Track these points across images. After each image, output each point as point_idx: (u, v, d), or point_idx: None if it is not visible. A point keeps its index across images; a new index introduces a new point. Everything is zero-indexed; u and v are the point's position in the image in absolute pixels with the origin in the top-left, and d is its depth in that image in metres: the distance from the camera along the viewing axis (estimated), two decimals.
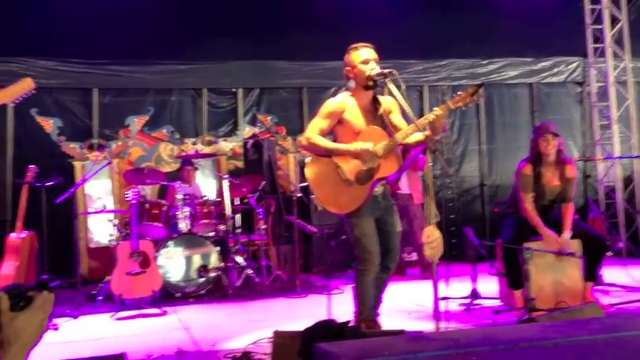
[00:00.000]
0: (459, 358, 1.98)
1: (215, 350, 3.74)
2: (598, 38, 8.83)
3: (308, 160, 3.71)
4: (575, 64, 9.44)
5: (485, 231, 8.87)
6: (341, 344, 2.26)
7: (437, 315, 2.99)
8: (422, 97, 9.16)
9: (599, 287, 5.12)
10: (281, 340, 2.71)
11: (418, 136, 3.48)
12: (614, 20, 8.66)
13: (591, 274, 4.50)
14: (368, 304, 3.55)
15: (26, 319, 1.48)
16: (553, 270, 4.42)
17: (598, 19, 8.73)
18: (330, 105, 3.68)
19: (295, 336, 2.66)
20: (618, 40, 8.69)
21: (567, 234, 4.51)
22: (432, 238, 3.05)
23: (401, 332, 2.80)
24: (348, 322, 2.86)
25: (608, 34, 8.60)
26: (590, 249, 4.47)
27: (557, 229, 4.50)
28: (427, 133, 3.41)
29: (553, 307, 4.24)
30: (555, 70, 9.56)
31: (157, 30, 7.85)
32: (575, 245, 4.43)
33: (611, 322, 2.55)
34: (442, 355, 2.00)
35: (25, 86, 3.70)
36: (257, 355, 2.94)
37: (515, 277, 4.46)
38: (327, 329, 2.64)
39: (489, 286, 5.18)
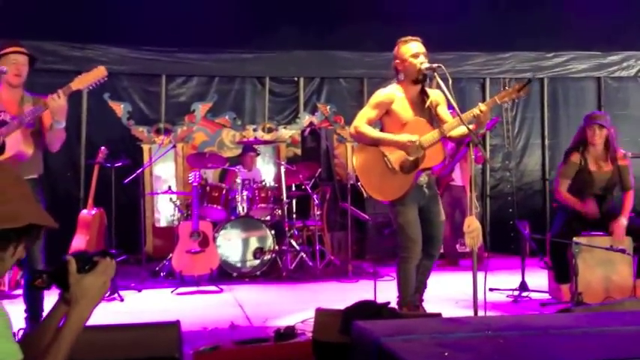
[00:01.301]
0: (488, 340, 2.08)
1: (265, 326, 3.95)
2: None
3: (356, 147, 3.83)
4: None
5: (545, 226, 8.77)
6: (377, 322, 2.40)
7: (475, 301, 3.08)
8: (484, 89, 9.12)
9: None
10: (323, 317, 2.88)
11: (462, 130, 3.55)
12: None
13: None
14: (410, 290, 3.67)
15: (91, 280, 1.70)
16: (602, 265, 4.41)
17: None
18: (379, 96, 3.81)
19: (336, 314, 2.82)
20: None
21: (624, 219, 4.51)
22: (471, 228, 3.15)
23: (437, 315, 2.91)
24: (387, 303, 3.00)
25: None
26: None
27: (607, 223, 4.49)
28: (472, 126, 3.48)
29: (601, 302, 4.24)
30: (625, 64, 9.33)
31: (223, 19, 8.08)
32: (626, 242, 4.40)
33: None
34: (471, 337, 2.11)
35: (98, 74, 3.92)
36: (302, 331, 3.11)
37: (562, 270, 4.48)
38: (366, 309, 2.79)
39: (540, 279, 5.20)
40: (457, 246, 7.10)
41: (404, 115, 3.72)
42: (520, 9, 8.67)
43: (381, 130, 3.84)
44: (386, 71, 8.68)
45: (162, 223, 7.84)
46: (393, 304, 3.37)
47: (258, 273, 6.16)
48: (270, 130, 8.41)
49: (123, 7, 7.80)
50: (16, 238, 1.61)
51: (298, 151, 8.30)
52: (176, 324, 2.66)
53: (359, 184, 4.00)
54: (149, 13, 7.93)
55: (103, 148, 5.92)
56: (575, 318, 2.42)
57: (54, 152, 3.95)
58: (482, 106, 3.47)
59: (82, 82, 3.86)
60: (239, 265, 6.17)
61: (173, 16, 8.01)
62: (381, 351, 2.01)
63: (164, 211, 7.80)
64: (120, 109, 8.12)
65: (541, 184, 9.10)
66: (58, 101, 3.66)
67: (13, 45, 3.91)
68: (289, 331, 2.96)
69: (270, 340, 2.96)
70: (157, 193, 7.31)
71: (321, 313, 2.90)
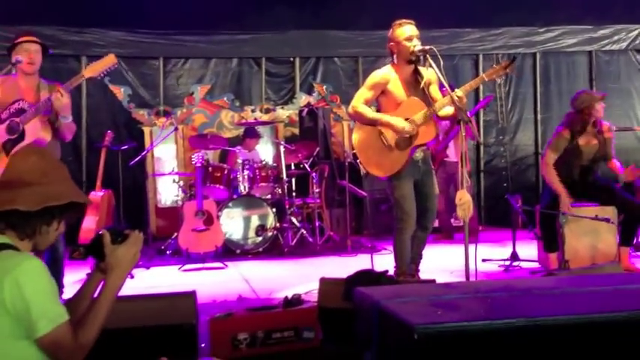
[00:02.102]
0: (477, 300, 2.31)
1: (271, 298, 4.18)
2: None
3: (353, 126, 4.04)
4: (636, 32, 9.31)
5: (538, 199, 9.00)
6: (377, 288, 2.63)
7: (467, 269, 3.32)
8: (477, 65, 9.25)
9: (638, 253, 5.32)
10: (327, 285, 3.11)
11: (450, 110, 3.81)
12: None
13: (627, 239, 4.71)
14: (406, 260, 3.91)
15: (124, 251, 1.91)
16: (589, 235, 4.66)
17: None
18: (375, 77, 4.01)
19: (339, 282, 3.05)
20: None
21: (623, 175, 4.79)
22: (463, 200, 3.38)
23: (431, 281, 3.14)
24: (385, 271, 3.23)
25: None
26: (628, 215, 4.67)
27: (597, 191, 4.73)
28: (452, 110, 3.71)
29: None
30: (616, 37, 9.43)
31: (217, 1, 8.20)
32: (610, 211, 4.64)
33: (623, 277, 2.81)
34: (462, 298, 2.33)
35: (108, 62, 4.10)
36: (308, 299, 3.34)
37: (550, 240, 4.72)
38: (366, 277, 3.02)
39: (530, 250, 5.44)
40: (452, 220, 7.32)
41: (399, 94, 3.93)
42: None
43: (378, 109, 4.05)
44: (380, 49, 8.87)
45: (165, 204, 8.05)
46: (391, 274, 3.60)
47: (260, 249, 6.39)
48: (267, 111, 8.57)
49: None
50: (59, 214, 1.83)
51: (296, 131, 8.47)
52: (192, 294, 2.88)
53: (357, 161, 4.21)
54: None
55: (109, 132, 6.11)
56: (557, 280, 2.65)
57: (66, 142, 4.14)
58: (459, 92, 3.68)
59: (94, 70, 4.04)
60: (242, 242, 6.40)
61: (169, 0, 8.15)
62: (381, 312, 2.24)
63: (166, 191, 7.98)
64: (120, 92, 8.26)
65: (534, 158, 9.27)
66: (62, 99, 3.85)
67: (26, 35, 4.09)
68: (296, 299, 3.19)
69: (279, 307, 3.20)
70: (162, 175, 7.50)
71: (325, 282, 3.13)
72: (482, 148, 9.20)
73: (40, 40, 4.15)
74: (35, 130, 3.87)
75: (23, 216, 1.76)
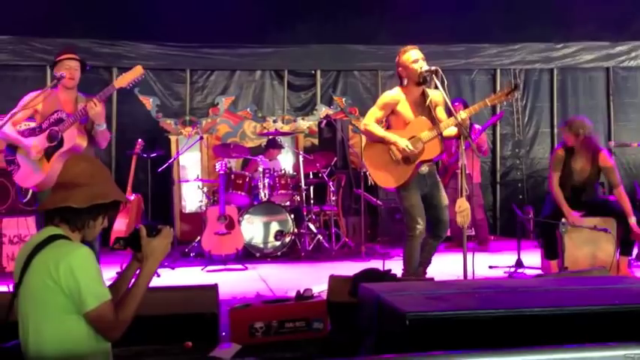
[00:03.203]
0: (466, 295, 2.59)
1: (287, 296, 4.48)
2: None
3: (365, 142, 4.35)
4: None
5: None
6: (380, 284, 2.93)
7: (465, 269, 3.60)
8: (494, 80, 9.48)
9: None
10: (335, 282, 3.42)
11: (453, 131, 4.14)
12: None
13: (627, 249, 4.94)
14: (414, 264, 4.20)
15: (157, 243, 2.24)
16: (588, 244, 4.89)
17: None
18: (386, 98, 4.33)
19: (347, 279, 3.36)
20: None
21: (633, 218, 4.88)
22: (462, 208, 3.68)
23: (430, 279, 3.43)
24: (389, 270, 3.52)
25: None
26: (627, 226, 4.89)
27: (594, 207, 4.96)
28: (456, 131, 4.03)
29: None
30: (633, 54, 9.60)
31: (243, 15, 8.49)
32: (610, 223, 4.87)
33: (606, 279, 3.06)
34: (454, 293, 2.62)
35: (137, 73, 4.39)
36: (319, 294, 3.64)
37: (551, 248, 4.96)
38: (372, 274, 3.32)
39: (536, 258, 5.67)
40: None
41: (407, 114, 4.26)
42: (529, 1, 9.02)
43: (388, 126, 4.38)
44: None
45: (189, 209, 8.39)
46: (394, 272, 3.88)
47: (279, 253, 6.72)
48: (288, 122, 8.91)
49: (149, 6, 8.20)
50: (104, 211, 2.17)
51: (315, 141, 8.77)
52: (214, 287, 3.21)
53: (367, 173, 4.53)
54: (173, 11, 8.38)
55: (140, 140, 6.49)
56: (543, 280, 2.91)
57: (102, 149, 4.50)
58: (463, 114, 3.99)
59: (124, 81, 4.37)
60: (261, 246, 6.74)
61: (195, 14, 8.45)
62: (380, 303, 2.54)
63: (190, 197, 8.34)
64: (149, 103, 8.66)
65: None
66: (95, 109, 4.18)
67: (67, 52, 4.46)
68: (308, 293, 3.50)
69: (292, 300, 3.51)
70: (188, 181, 7.87)
71: (334, 279, 3.44)
72: (498, 160, 9.40)
73: (80, 57, 4.50)
74: (72, 138, 4.22)
75: (75, 212, 2.11)
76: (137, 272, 2.24)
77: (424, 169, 4.26)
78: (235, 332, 3.21)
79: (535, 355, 1.66)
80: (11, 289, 2.11)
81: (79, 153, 4.20)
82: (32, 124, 4.43)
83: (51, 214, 2.14)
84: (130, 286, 2.24)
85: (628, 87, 9.66)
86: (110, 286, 2.24)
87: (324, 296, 3.45)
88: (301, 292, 3.50)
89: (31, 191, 4.30)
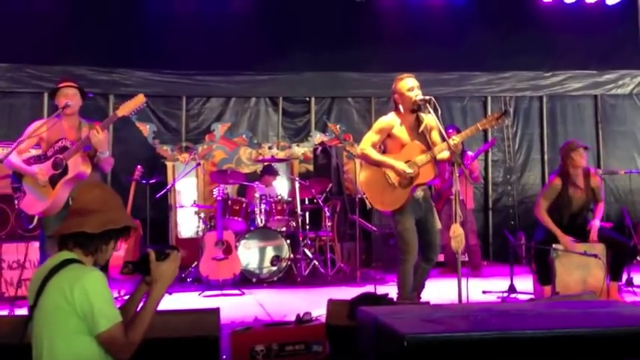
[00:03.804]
0: (461, 318, 2.68)
1: (285, 320, 4.55)
2: None
3: (362, 165, 4.48)
4: None
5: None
6: (378, 308, 3.02)
7: (460, 293, 3.69)
8: (485, 107, 9.66)
9: (630, 288, 5.64)
10: (334, 306, 3.50)
11: (446, 154, 4.26)
12: None
13: (615, 274, 5.06)
14: (408, 287, 4.30)
15: (166, 266, 2.34)
16: (579, 269, 5.00)
17: None
18: (381, 122, 4.47)
19: (345, 303, 3.45)
20: None
21: (597, 221, 5.18)
22: (456, 233, 3.79)
23: (426, 303, 3.52)
24: (386, 294, 3.62)
25: None
26: (616, 252, 5.03)
27: (586, 232, 5.09)
28: (449, 154, 4.17)
29: None
30: (620, 82, 9.80)
31: (238, 43, 8.70)
32: (599, 249, 5.00)
33: (594, 303, 3.16)
34: (449, 316, 2.71)
35: (138, 101, 4.50)
36: (318, 318, 3.72)
37: (544, 273, 5.07)
38: (369, 298, 3.42)
39: (528, 283, 5.77)
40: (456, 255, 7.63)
41: (403, 137, 4.40)
42: (518, 31, 9.25)
43: (384, 150, 4.50)
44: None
45: (184, 235, 8.44)
46: (391, 296, 3.97)
47: (275, 278, 6.79)
48: (283, 148, 9.04)
49: (145, 34, 8.41)
50: (116, 236, 2.27)
51: (310, 167, 8.89)
52: (216, 310, 3.29)
53: (364, 196, 4.65)
54: (169, 38, 8.57)
55: (139, 166, 6.58)
56: (535, 304, 3.01)
57: (106, 174, 4.60)
58: (456, 139, 4.14)
59: (126, 109, 4.47)
60: (258, 271, 6.81)
61: (191, 42, 8.63)
62: (378, 325, 2.63)
63: (185, 223, 8.38)
64: (146, 129, 8.77)
65: None
66: (98, 136, 4.29)
67: (65, 81, 4.59)
68: (307, 317, 3.58)
69: (292, 323, 3.59)
70: (185, 207, 7.94)
71: (333, 303, 3.53)
72: (490, 186, 9.53)
73: (77, 85, 4.61)
74: (76, 165, 4.32)
75: (89, 237, 2.21)
76: (145, 295, 2.33)
77: (419, 193, 4.38)
78: (236, 355, 3.29)
79: None
80: (11, 313, 2.20)
81: (83, 180, 4.30)
82: (36, 152, 4.52)
83: (65, 239, 2.23)
84: (138, 308, 2.32)
85: (616, 115, 9.86)
86: (119, 309, 2.32)
87: (323, 320, 3.53)
88: (301, 315, 3.58)
89: (36, 217, 4.36)
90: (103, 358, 2.15)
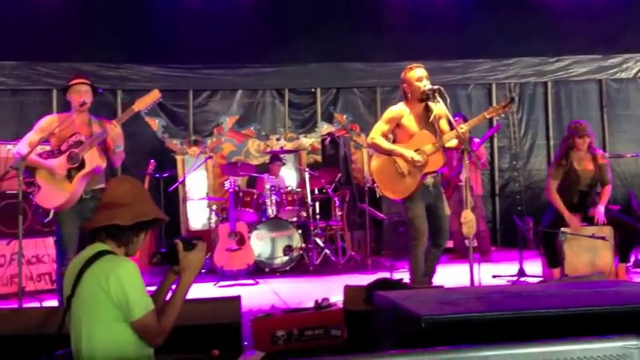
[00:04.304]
0: (476, 299, 2.79)
1: (302, 307, 4.67)
2: None
3: (371, 154, 4.58)
4: None
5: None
6: (394, 292, 3.13)
7: (472, 276, 3.80)
8: (490, 94, 9.70)
9: (638, 269, 5.74)
10: (351, 291, 3.62)
11: (454, 142, 4.36)
12: None
13: (624, 256, 5.16)
14: (420, 272, 4.41)
15: (193, 256, 2.45)
16: (587, 252, 5.10)
17: None
18: (391, 112, 4.57)
19: (361, 288, 3.57)
20: None
21: (601, 206, 5.25)
22: (467, 219, 3.91)
23: (440, 287, 3.63)
24: (401, 279, 3.73)
25: None
26: (623, 234, 5.12)
27: (588, 218, 5.20)
28: (457, 142, 4.26)
29: None
30: (624, 66, 9.82)
31: (243, 36, 8.75)
32: (607, 231, 5.09)
33: (603, 283, 3.27)
34: (464, 298, 2.82)
35: (154, 96, 4.58)
36: (335, 303, 3.84)
37: (552, 256, 5.18)
38: (384, 283, 3.53)
39: (537, 267, 5.88)
40: (465, 241, 7.74)
41: (412, 127, 4.49)
42: (522, 17, 9.28)
43: (394, 140, 4.60)
44: (397, 80, 9.30)
45: (195, 227, 8.52)
46: (406, 281, 4.09)
47: (287, 268, 6.92)
48: (291, 139, 9.12)
49: (151, 29, 8.47)
50: (146, 228, 2.38)
51: (318, 158, 8.98)
52: (237, 298, 3.41)
53: (375, 185, 4.75)
54: (175, 33, 8.64)
55: (152, 161, 6.69)
56: (545, 285, 3.11)
57: (116, 168, 4.70)
58: (464, 127, 4.23)
59: (142, 104, 4.56)
60: (270, 261, 6.93)
61: (197, 36, 8.69)
62: (397, 309, 2.74)
63: (195, 215, 8.49)
64: (155, 123, 8.85)
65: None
66: (115, 130, 4.40)
67: (78, 77, 4.67)
68: (325, 302, 3.70)
69: (311, 309, 3.71)
70: (196, 199, 8.05)
71: (349, 288, 3.65)
72: (497, 172, 9.60)
73: (90, 81, 4.69)
74: (93, 159, 4.43)
75: (120, 229, 2.32)
76: (174, 284, 2.44)
77: (429, 180, 4.49)
78: (258, 341, 3.41)
79: (541, 347, 1.85)
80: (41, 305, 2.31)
81: (99, 174, 4.41)
82: (47, 148, 4.60)
83: (98, 231, 2.35)
84: (168, 296, 2.44)
85: (620, 99, 9.88)
86: (150, 296, 2.43)
87: (341, 305, 3.65)
88: (319, 301, 3.70)
89: (52, 212, 4.45)
90: (138, 344, 2.27)
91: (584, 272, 5.00)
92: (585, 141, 5.27)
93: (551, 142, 9.67)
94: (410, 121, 4.50)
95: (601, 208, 5.23)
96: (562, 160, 5.35)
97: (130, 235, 2.36)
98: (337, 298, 4.55)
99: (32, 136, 4.45)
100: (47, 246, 5.81)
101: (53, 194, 4.41)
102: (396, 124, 4.53)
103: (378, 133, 4.54)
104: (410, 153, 4.39)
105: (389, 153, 4.48)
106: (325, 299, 3.68)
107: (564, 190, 5.33)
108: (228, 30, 8.73)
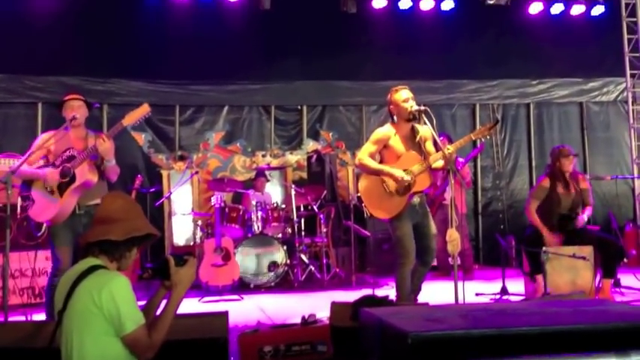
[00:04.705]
0: (460, 316, 2.84)
1: (288, 323, 4.69)
2: (634, 65, 9.23)
3: (358, 174, 4.64)
4: (624, 85, 9.73)
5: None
6: (380, 308, 3.17)
7: (456, 294, 3.86)
8: (474, 114, 9.86)
9: (617, 289, 5.84)
10: (337, 307, 3.66)
11: (440, 163, 4.46)
12: None
13: (609, 272, 5.28)
14: (406, 290, 4.46)
15: (184, 271, 2.49)
16: (568, 271, 5.20)
17: (635, 48, 9.17)
18: (378, 133, 4.65)
19: (347, 305, 3.60)
20: None
21: (583, 216, 5.45)
22: (452, 237, 3.98)
23: (425, 304, 3.68)
24: (387, 296, 3.78)
25: None
26: (607, 251, 5.25)
27: (575, 237, 5.32)
28: (442, 163, 4.37)
29: None
30: (605, 89, 10.05)
31: (231, 53, 8.80)
32: (587, 251, 5.20)
33: (584, 302, 3.34)
34: (449, 315, 2.87)
35: (143, 111, 4.58)
36: (321, 319, 3.87)
37: (536, 264, 5.29)
38: (370, 300, 3.57)
39: (519, 285, 5.96)
40: (449, 259, 7.83)
41: (398, 148, 4.58)
42: (506, 40, 9.46)
43: (381, 160, 4.68)
44: (382, 99, 9.37)
45: (178, 243, 8.48)
46: (392, 298, 4.13)
47: (272, 284, 6.94)
48: (277, 156, 9.18)
49: (138, 45, 8.49)
50: (138, 243, 2.41)
51: (304, 175, 9.02)
52: (225, 314, 3.43)
53: (363, 205, 4.82)
54: (162, 49, 8.64)
55: (139, 176, 6.70)
56: (528, 303, 3.17)
57: (113, 183, 4.72)
58: (451, 148, 4.32)
59: (132, 119, 4.56)
60: (255, 277, 6.94)
61: (185, 52, 8.73)
62: (383, 326, 2.78)
63: (179, 231, 8.47)
64: (141, 138, 8.85)
65: None
66: (105, 144, 4.40)
67: (71, 94, 4.71)
68: (312, 318, 3.73)
69: (298, 325, 3.74)
70: (182, 214, 8.06)
71: (336, 305, 3.68)
72: (480, 192, 9.72)
73: (83, 97, 4.72)
74: (83, 173, 4.44)
75: (113, 244, 2.35)
76: (165, 299, 2.47)
77: (416, 199, 4.57)
78: (245, 356, 3.43)
79: None
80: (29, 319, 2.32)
81: (90, 188, 4.42)
82: (43, 162, 4.62)
83: (91, 246, 2.38)
84: (159, 311, 2.46)
85: (601, 121, 10.09)
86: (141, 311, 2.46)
87: (327, 321, 3.68)
88: (306, 317, 3.73)
89: (45, 226, 4.47)
90: (128, 358, 2.29)
91: (566, 291, 5.10)
92: (571, 161, 5.41)
93: (534, 163, 9.85)
94: (397, 142, 4.59)
95: (584, 217, 5.39)
96: (544, 182, 5.49)
97: (123, 250, 2.39)
98: (323, 314, 4.60)
99: (29, 154, 4.49)
100: (30, 260, 5.77)
101: (45, 207, 4.44)
102: (384, 145, 4.62)
103: (365, 154, 4.62)
104: (400, 172, 4.47)
105: (377, 173, 4.56)
106: (312, 315, 3.72)
107: (545, 211, 5.46)
108: (215, 46, 8.78)
